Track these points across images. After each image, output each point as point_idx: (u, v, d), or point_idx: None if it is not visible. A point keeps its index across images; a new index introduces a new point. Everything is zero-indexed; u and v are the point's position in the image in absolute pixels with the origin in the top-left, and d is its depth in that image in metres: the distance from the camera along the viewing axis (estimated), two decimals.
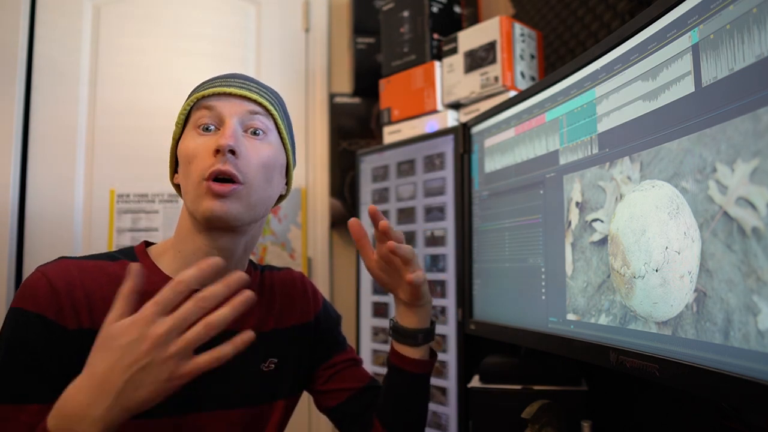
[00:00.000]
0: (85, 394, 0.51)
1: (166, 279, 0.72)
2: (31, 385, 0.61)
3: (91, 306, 0.66)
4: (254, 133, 0.72)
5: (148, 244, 0.78)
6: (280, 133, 0.76)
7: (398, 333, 0.82)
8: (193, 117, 0.72)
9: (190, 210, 0.71)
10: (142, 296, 0.68)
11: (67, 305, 0.64)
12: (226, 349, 0.53)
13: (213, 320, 0.52)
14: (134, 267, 0.55)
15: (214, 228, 0.71)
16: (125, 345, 0.51)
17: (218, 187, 0.67)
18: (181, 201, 0.75)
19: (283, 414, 0.80)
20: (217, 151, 0.67)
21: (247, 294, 0.54)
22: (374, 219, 0.78)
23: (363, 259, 0.83)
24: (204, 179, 0.67)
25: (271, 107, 0.74)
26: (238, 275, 0.54)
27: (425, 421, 0.86)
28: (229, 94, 0.72)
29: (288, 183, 0.80)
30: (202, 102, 0.71)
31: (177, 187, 0.77)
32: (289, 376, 0.81)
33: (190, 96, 0.74)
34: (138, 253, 0.75)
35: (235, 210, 0.69)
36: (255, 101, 0.73)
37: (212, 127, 0.70)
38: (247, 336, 0.54)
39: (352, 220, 0.80)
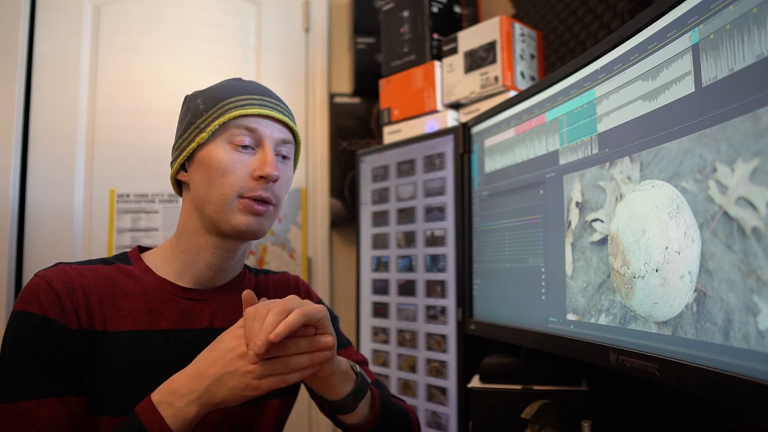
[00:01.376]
0: (188, 377, 0.62)
1: (160, 280, 0.75)
2: (46, 380, 0.65)
3: (89, 308, 0.69)
4: (282, 157, 0.77)
5: (142, 249, 0.81)
6: (295, 155, 0.82)
7: (329, 407, 0.73)
8: (229, 131, 0.73)
9: (211, 217, 0.73)
10: (137, 296, 0.73)
11: (68, 306, 0.67)
12: (292, 377, 0.62)
13: (291, 364, 0.62)
14: (248, 295, 0.67)
15: (238, 238, 0.75)
16: (224, 350, 0.62)
17: (258, 207, 0.72)
18: (180, 200, 0.76)
19: (279, 413, 0.81)
20: (261, 177, 0.72)
21: (327, 355, 0.64)
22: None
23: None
24: (241, 197, 0.72)
25: (298, 134, 0.80)
26: (326, 340, 0.64)
27: None
28: (271, 118, 0.75)
29: None
30: (243, 121, 0.73)
31: (177, 183, 0.79)
32: None
33: (223, 105, 0.73)
34: (131, 257, 0.78)
35: (266, 226, 0.75)
36: (290, 129, 0.78)
37: (249, 146, 0.73)
38: (310, 370, 0.64)
39: (247, 293, 0.69)
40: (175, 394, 0.61)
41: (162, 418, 0.60)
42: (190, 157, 0.75)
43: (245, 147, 0.73)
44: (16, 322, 0.66)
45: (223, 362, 0.61)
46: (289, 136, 0.77)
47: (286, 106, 0.80)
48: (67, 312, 0.67)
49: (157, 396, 0.62)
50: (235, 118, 0.73)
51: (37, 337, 0.65)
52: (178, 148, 0.76)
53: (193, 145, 0.74)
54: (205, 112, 0.74)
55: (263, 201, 0.73)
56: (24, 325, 0.66)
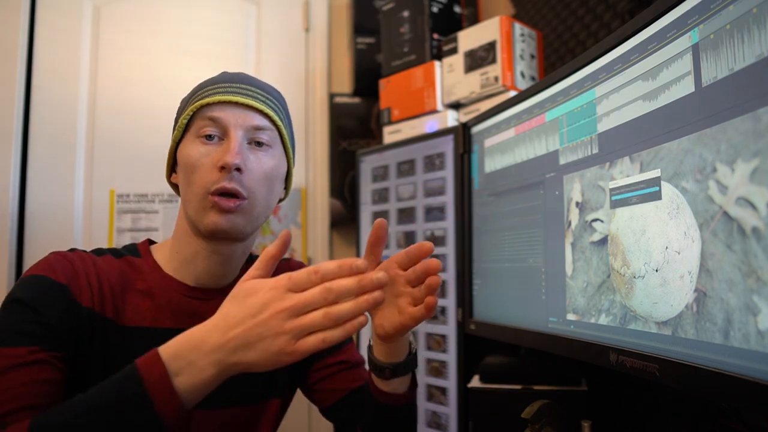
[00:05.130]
0: (209, 327, 0.53)
1: (166, 277, 0.74)
2: (43, 334, 0.62)
3: (102, 294, 0.68)
4: (258, 144, 0.72)
5: (151, 242, 0.79)
6: (283, 143, 0.76)
7: (369, 360, 0.74)
8: (195, 124, 0.71)
9: (191, 218, 0.71)
10: (143, 293, 0.71)
11: (84, 283, 0.66)
12: (335, 334, 0.52)
13: (333, 312, 0.52)
14: (286, 234, 0.58)
15: (217, 239, 0.71)
16: (252, 305, 0.53)
17: (224, 202, 0.68)
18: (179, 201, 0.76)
19: (277, 412, 0.80)
20: (222, 168, 0.67)
21: (376, 296, 0.53)
22: (421, 256, 0.67)
23: (363, 258, 0.76)
24: (209, 193, 0.68)
25: (277, 119, 0.73)
26: (377, 277, 0.52)
27: None
28: (235, 103, 0.70)
29: (287, 187, 0.80)
30: (206, 111, 0.70)
31: (174, 186, 0.78)
32: (285, 374, 0.81)
33: (191, 98, 0.73)
34: (141, 249, 0.76)
35: (239, 224, 0.70)
36: (261, 112, 0.71)
37: (215, 137, 0.70)
38: (357, 322, 0.52)
39: (380, 221, 0.68)
40: (197, 348, 0.52)
41: (170, 383, 0.51)
42: (176, 158, 0.74)
43: (211, 137, 0.69)
44: (23, 282, 0.64)
45: (252, 322, 0.52)
46: (264, 122, 0.71)
47: (266, 92, 0.74)
48: (82, 288, 0.66)
49: (169, 350, 0.53)
50: (199, 109, 0.70)
51: (40, 296, 0.63)
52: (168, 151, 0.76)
53: (172, 145, 0.73)
54: (180, 110, 0.74)
55: (229, 194, 0.68)
56: (29, 284, 0.64)
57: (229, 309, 0.54)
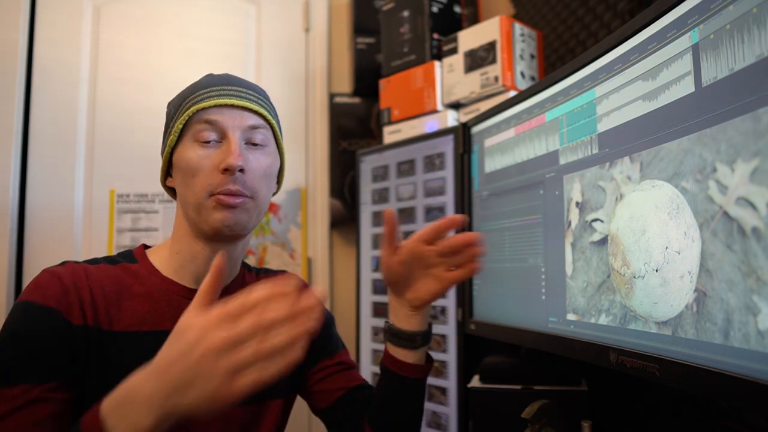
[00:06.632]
0: (147, 373, 0.50)
1: (165, 280, 0.74)
2: (36, 367, 0.62)
3: (95, 305, 0.68)
4: (254, 144, 0.74)
5: (146, 247, 0.79)
6: (276, 140, 0.78)
7: (396, 336, 0.78)
8: (192, 128, 0.72)
9: (192, 220, 0.72)
10: (142, 297, 0.72)
11: (75, 302, 0.66)
12: (270, 371, 0.48)
13: (264, 349, 0.47)
14: (219, 260, 0.53)
15: (221, 237, 0.72)
16: (185, 343, 0.49)
17: (229, 199, 0.69)
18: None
19: (280, 413, 0.81)
20: (226, 170, 0.69)
21: (309, 325, 0.49)
22: (453, 228, 0.71)
23: (382, 250, 0.75)
24: (212, 194, 0.70)
25: (270, 118, 0.76)
26: (310, 306, 0.49)
27: (419, 428, 0.83)
28: (231, 106, 0.72)
29: (279, 182, 0.82)
30: (202, 115, 0.71)
31: (169, 189, 0.79)
32: (286, 376, 0.81)
33: (184, 103, 0.73)
34: (137, 255, 0.77)
35: (243, 220, 0.72)
36: (256, 113, 0.74)
37: (213, 140, 0.71)
38: (292, 357, 0.49)
39: (389, 211, 0.73)
40: (131, 399, 0.49)
41: None
42: (171, 163, 0.75)
43: (209, 141, 0.71)
44: (20, 311, 0.65)
45: (188, 361, 0.48)
46: (259, 121, 0.74)
47: (256, 92, 0.76)
48: (73, 307, 0.66)
49: (109, 404, 0.51)
50: (195, 113, 0.71)
51: (38, 327, 0.63)
52: (161, 156, 0.77)
53: (168, 149, 0.74)
54: (173, 115, 0.75)
55: (234, 194, 0.70)
56: (27, 315, 0.64)
57: (164, 350, 0.50)
